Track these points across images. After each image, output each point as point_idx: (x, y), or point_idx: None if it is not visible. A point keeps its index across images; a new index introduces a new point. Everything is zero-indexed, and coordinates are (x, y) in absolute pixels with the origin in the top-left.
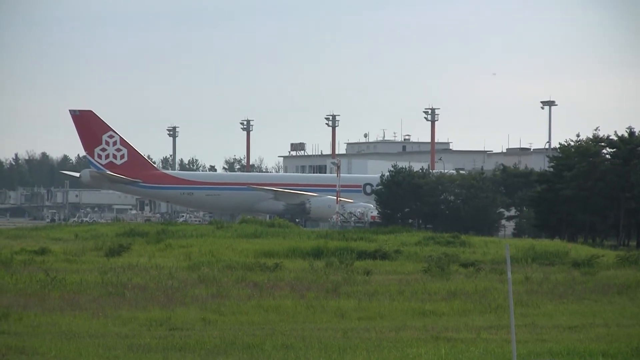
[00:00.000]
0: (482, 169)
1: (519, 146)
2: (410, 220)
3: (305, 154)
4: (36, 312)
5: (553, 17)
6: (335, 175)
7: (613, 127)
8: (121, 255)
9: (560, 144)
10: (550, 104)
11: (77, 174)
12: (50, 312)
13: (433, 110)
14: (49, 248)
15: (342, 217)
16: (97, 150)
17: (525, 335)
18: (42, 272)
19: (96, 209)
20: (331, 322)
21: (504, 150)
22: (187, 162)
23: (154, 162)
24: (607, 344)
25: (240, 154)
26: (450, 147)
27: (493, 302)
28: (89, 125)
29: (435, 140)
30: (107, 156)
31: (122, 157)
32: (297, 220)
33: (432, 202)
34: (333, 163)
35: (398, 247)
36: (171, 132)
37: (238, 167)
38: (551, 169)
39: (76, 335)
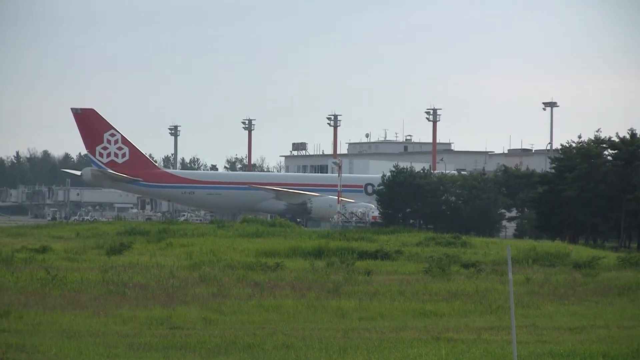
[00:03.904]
0: (483, 169)
1: (520, 147)
2: (411, 221)
3: (307, 153)
4: (37, 311)
5: (555, 18)
6: (337, 175)
7: (615, 128)
8: (122, 254)
9: (561, 145)
10: (552, 105)
11: (79, 173)
12: (50, 311)
13: (435, 110)
14: (50, 246)
15: (343, 217)
16: (98, 148)
17: (526, 337)
18: (43, 270)
19: (97, 208)
20: (332, 322)
21: (506, 151)
22: (188, 161)
23: (156, 161)
24: (608, 346)
25: (242, 153)
26: (452, 148)
27: (494, 303)
28: (90, 124)
29: (437, 141)
30: (108, 155)
31: (123, 155)
32: (298, 220)
33: (433, 202)
34: (334, 163)
35: (399, 248)
36: (173, 131)
37: (239, 166)
38: (552, 170)
39: (77, 334)
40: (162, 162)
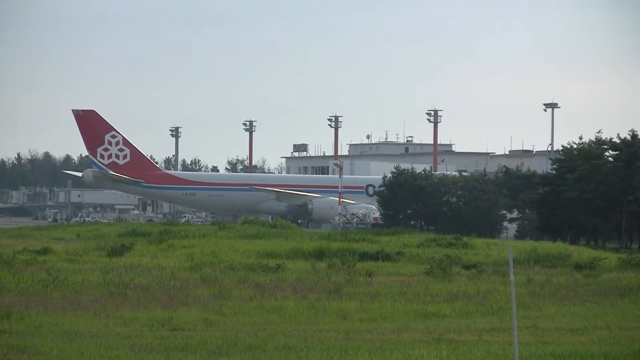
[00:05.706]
0: (484, 170)
1: (521, 148)
2: (412, 222)
3: (308, 154)
4: (38, 312)
5: (556, 19)
6: (338, 176)
7: (616, 129)
8: (123, 255)
9: (562, 146)
10: (553, 106)
11: (80, 174)
12: (52, 312)
13: (436, 111)
14: (51, 248)
15: (344, 218)
16: (99, 150)
17: (527, 338)
18: (44, 271)
19: (98, 209)
20: (333, 323)
21: (507, 152)
22: (189, 163)
23: (157, 163)
24: (609, 347)
25: (243, 154)
26: (453, 149)
27: (495, 304)
28: (91, 125)
29: (438, 142)
30: (109, 156)
31: (124, 157)
32: (299, 221)
33: (434, 203)
34: (335, 164)
35: (400, 249)
36: (174, 133)
37: (240, 167)
38: (554, 171)
39: (78, 335)
40: (163, 163)
